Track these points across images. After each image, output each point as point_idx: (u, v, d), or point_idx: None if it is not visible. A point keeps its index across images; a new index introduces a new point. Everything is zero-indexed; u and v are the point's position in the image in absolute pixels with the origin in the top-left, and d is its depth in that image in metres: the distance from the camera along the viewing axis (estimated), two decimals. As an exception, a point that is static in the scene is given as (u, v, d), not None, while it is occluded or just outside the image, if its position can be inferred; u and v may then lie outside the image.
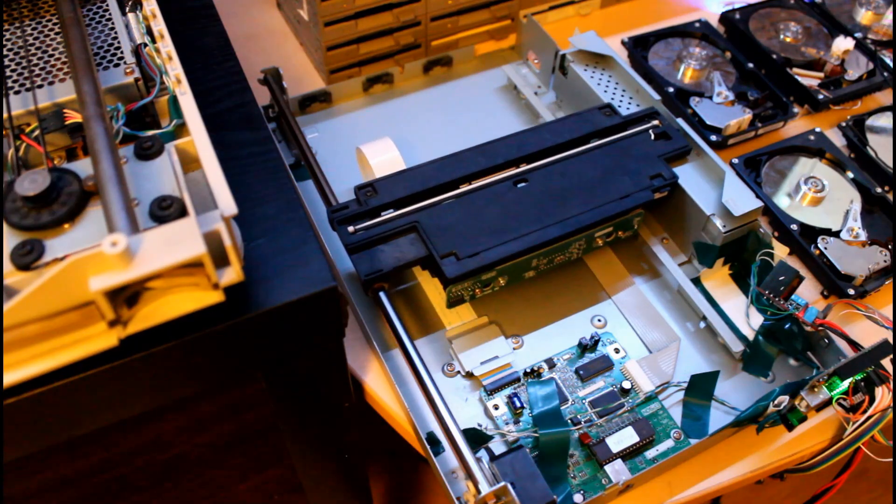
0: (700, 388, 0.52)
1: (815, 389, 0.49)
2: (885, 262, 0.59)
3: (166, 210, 0.35)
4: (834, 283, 0.58)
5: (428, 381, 0.48)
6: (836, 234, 0.60)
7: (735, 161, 0.65)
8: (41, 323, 0.32)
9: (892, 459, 0.48)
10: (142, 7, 0.46)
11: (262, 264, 0.39)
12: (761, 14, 0.79)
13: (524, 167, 0.56)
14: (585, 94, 0.65)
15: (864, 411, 0.48)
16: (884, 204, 0.63)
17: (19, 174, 0.36)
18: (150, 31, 0.45)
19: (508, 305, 0.57)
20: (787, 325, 0.53)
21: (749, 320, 0.56)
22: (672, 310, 0.57)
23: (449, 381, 0.53)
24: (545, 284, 0.58)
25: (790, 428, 0.50)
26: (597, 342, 0.55)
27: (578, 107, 0.67)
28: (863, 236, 0.60)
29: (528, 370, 0.53)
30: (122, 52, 0.45)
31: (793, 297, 0.53)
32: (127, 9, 0.47)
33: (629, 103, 0.64)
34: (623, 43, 0.75)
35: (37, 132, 0.40)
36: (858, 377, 0.49)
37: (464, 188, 0.55)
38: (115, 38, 0.46)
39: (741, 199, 0.54)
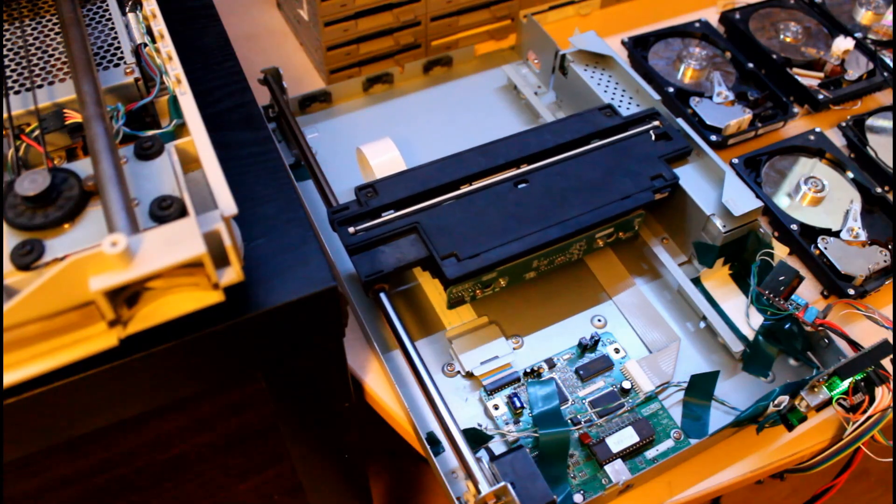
0: (700, 388, 0.52)
1: (815, 389, 0.49)
2: (885, 262, 0.59)
3: (166, 210, 0.35)
4: (834, 283, 0.58)
5: (428, 382, 0.48)
6: (836, 234, 0.60)
7: (735, 161, 0.65)
8: (41, 323, 0.32)
9: (892, 459, 0.48)
10: (142, 7, 0.46)
11: (262, 264, 0.39)
12: (761, 14, 0.79)
13: (525, 168, 0.56)
14: (585, 94, 0.65)
15: (864, 411, 0.48)
16: (884, 204, 0.63)
17: (19, 174, 0.36)
18: (150, 31, 0.45)
19: (509, 306, 0.57)
20: (787, 325, 0.53)
21: (749, 320, 0.56)
22: (672, 310, 0.57)
23: (449, 381, 0.53)
24: (546, 285, 0.58)
25: (790, 428, 0.50)
26: (597, 342, 0.55)
27: (578, 107, 0.67)
28: (863, 236, 0.60)
29: (528, 370, 0.53)
30: (122, 52, 0.45)
31: (793, 297, 0.53)
32: (127, 9, 0.47)
33: (629, 103, 0.64)
34: (623, 43, 0.75)
35: (37, 132, 0.40)
36: (858, 377, 0.49)
37: (464, 189, 0.55)
38: (115, 38, 0.46)
39: (741, 199, 0.54)
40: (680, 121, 0.59)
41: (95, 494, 0.45)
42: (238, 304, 0.37)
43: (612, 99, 0.64)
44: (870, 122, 0.70)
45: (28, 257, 0.34)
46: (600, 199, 0.54)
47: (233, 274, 0.34)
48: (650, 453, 0.49)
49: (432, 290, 0.57)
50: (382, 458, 1.00)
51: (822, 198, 0.63)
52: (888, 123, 0.70)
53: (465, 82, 0.75)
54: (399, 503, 0.98)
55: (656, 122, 0.59)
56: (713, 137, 0.67)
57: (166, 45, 0.42)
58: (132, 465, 0.44)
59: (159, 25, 0.44)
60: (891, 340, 0.47)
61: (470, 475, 0.44)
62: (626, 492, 0.49)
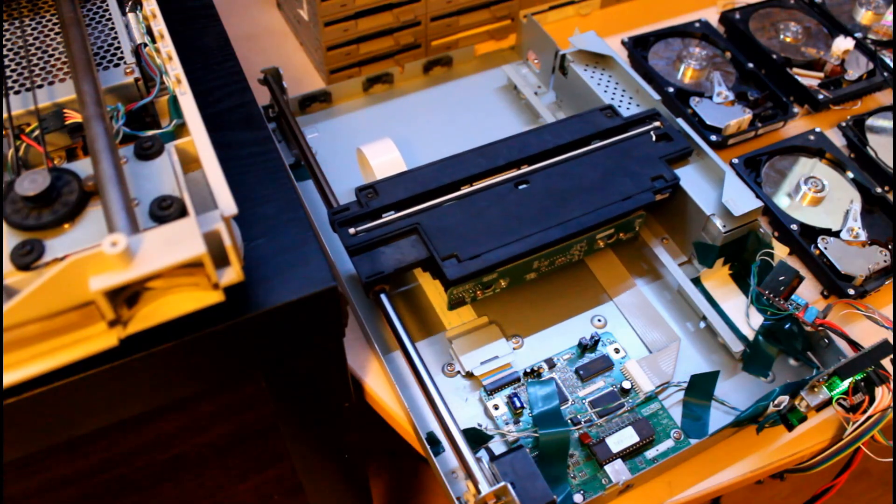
0: (700, 388, 0.52)
1: (815, 389, 0.49)
2: (885, 262, 0.59)
3: (166, 210, 0.35)
4: (834, 283, 0.58)
5: (428, 382, 0.48)
6: (836, 234, 0.60)
7: (735, 161, 0.65)
8: (41, 323, 0.32)
9: (892, 459, 0.48)
10: (142, 7, 0.46)
11: (262, 264, 0.39)
12: (761, 14, 0.79)
13: (525, 169, 0.56)
14: (585, 94, 0.65)
15: (864, 411, 0.48)
16: (884, 204, 0.63)
17: (19, 174, 0.36)
18: (150, 31, 0.45)
19: (509, 306, 0.57)
20: (787, 325, 0.53)
21: (749, 320, 0.56)
22: (672, 310, 0.57)
23: (449, 381, 0.53)
24: (546, 286, 0.58)
25: (790, 428, 0.50)
26: (597, 342, 0.54)
27: (579, 107, 0.67)
28: (863, 236, 0.60)
29: (528, 370, 0.53)
30: (122, 52, 0.45)
31: (793, 297, 0.53)
32: (127, 9, 0.47)
33: (629, 103, 0.64)
34: (623, 43, 0.75)
35: (37, 132, 0.40)
36: (858, 377, 0.49)
37: (465, 190, 0.55)
38: (115, 38, 0.46)
39: (741, 199, 0.54)
40: (680, 121, 0.59)
41: (95, 494, 0.45)
42: (238, 304, 0.37)
43: (612, 99, 0.64)
44: (870, 122, 0.70)
45: (28, 257, 0.34)
46: (601, 200, 0.54)
47: (233, 274, 0.34)
48: (650, 453, 0.49)
49: (433, 291, 0.57)
50: (382, 458, 1.00)
51: (822, 198, 0.63)
52: (888, 123, 0.70)
53: (465, 82, 0.75)
54: (399, 503, 0.98)
55: (657, 123, 0.59)
56: (713, 137, 0.67)
57: (166, 45, 0.42)
58: (132, 465, 0.44)
59: (159, 25, 0.44)
60: (891, 340, 0.47)
61: (470, 475, 0.44)
62: (626, 492, 0.49)
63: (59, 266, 0.30)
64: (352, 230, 0.51)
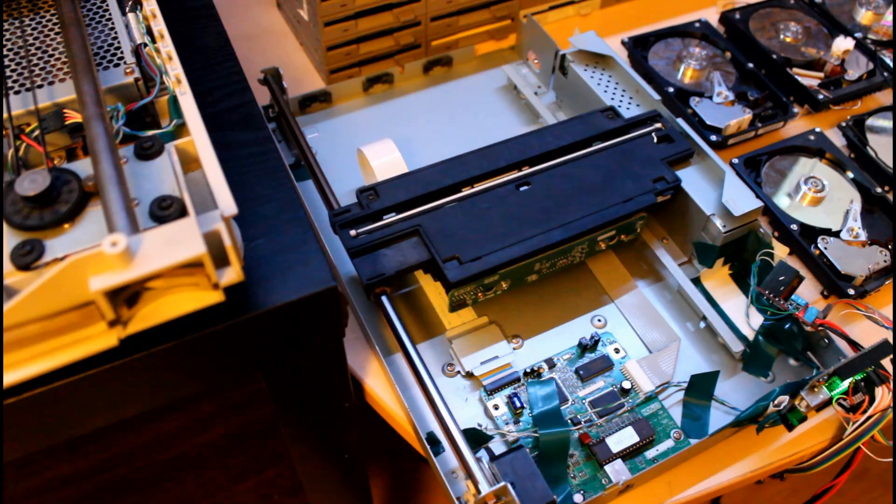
0: (700, 388, 0.52)
1: (815, 389, 0.49)
2: (885, 262, 0.59)
3: (166, 210, 0.35)
4: (834, 283, 0.58)
5: (429, 383, 0.48)
6: (836, 234, 0.60)
7: (735, 161, 0.65)
8: (41, 323, 0.32)
9: (892, 459, 0.48)
10: (142, 7, 0.46)
11: (262, 264, 0.39)
12: (761, 14, 0.79)
13: (526, 170, 0.56)
14: (585, 94, 0.65)
15: (864, 411, 0.48)
16: (884, 204, 0.63)
17: (19, 174, 0.36)
18: (150, 31, 0.45)
19: (510, 308, 0.57)
20: (787, 325, 0.53)
21: (749, 320, 0.56)
22: (672, 310, 0.57)
23: (449, 381, 0.53)
24: (547, 287, 0.58)
25: (790, 428, 0.50)
26: (597, 342, 0.54)
27: (579, 107, 0.67)
28: (863, 236, 0.60)
29: (528, 370, 0.53)
30: (122, 52, 0.45)
31: (793, 297, 0.53)
32: (127, 9, 0.47)
33: (629, 103, 0.64)
34: (623, 43, 0.75)
35: (37, 132, 0.40)
36: (858, 377, 0.49)
37: (466, 191, 0.54)
38: (115, 38, 0.46)
39: (741, 199, 0.54)
40: (680, 121, 0.59)
41: (95, 494, 0.45)
42: (238, 304, 0.37)
43: (612, 99, 0.64)
44: (870, 122, 0.70)
45: (28, 257, 0.34)
46: (602, 202, 0.54)
47: (233, 274, 0.34)
48: (650, 453, 0.49)
49: (433, 293, 0.57)
50: (382, 458, 1.00)
51: (822, 198, 0.63)
52: (888, 123, 0.70)
53: (465, 82, 0.75)
54: (399, 503, 0.98)
55: (658, 125, 0.59)
56: (713, 137, 0.67)
57: (166, 45, 0.42)
58: (132, 465, 0.44)
59: (159, 25, 0.44)
60: (891, 340, 0.47)
61: (470, 475, 0.44)
62: (626, 492, 0.49)
63: (59, 266, 0.30)
64: (353, 232, 0.51)
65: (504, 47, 0.78)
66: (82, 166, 0.37)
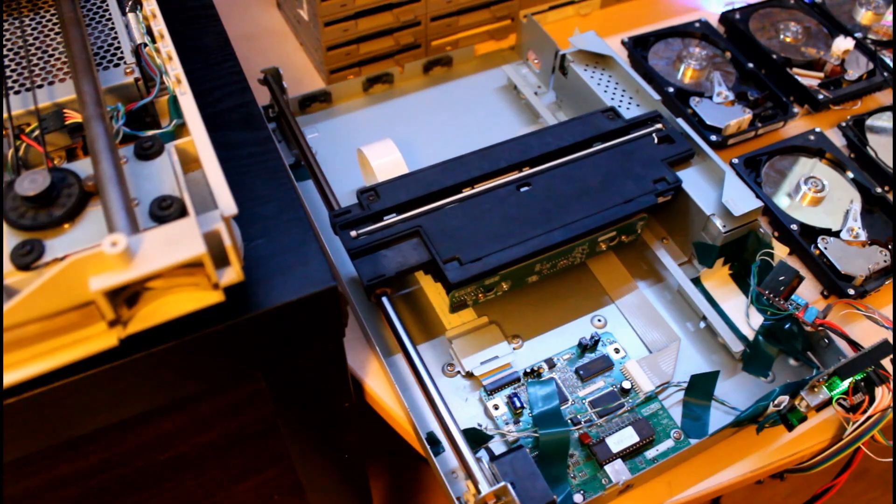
0: (700, 388, 0.52)
1: (815, 389, 0.49)
2: (885, 262, 0.59)
3: (166, 210, 0.35)
4: (834, 283, 0.58)
5: (429, 384, 0.48)
6: (836, 234, 0.60)
7: (735, 161, 0.65)
8: (41, 323, 0.32)
9: (892, 459, 0.48)
10: (142, 7, 0.46)
11: (262, 264, 0.39)
12: (761, 14, 0.79)
13: (527, 171, 0.56)
14: (585, 94, 0.65)
15: (864, 411, 0.48)
16: (884, 204, 0.63)
17: (19, 174, 0.36)
18: (150, 31, 0.45)
19: (511, 308, 0.57)
20: (787, 325, 0.53)
21: (749, 320, 0.56)
22: (672, 310, 0.57)
23: (449, 381, 0.53)
24: (548, 288, 0.58)
25: (790, 428, 0.50)
26: (597, 342, 0.54)
27: (579, 107, 0.67)
28: (863, 236, 0.60)
29: (528, 370, 0.53)
30: (122, 52, 0.45)
31: (793, 297, 0.53)
32: (127, 9, 0.47)
33: (629, 103, 0.64)
34: (623, 43, 0.75)
35: (37, 132, 0.40)
36: (858, 377, 0.49)
37: (467, 192, 0.54)
38: (115, 38, 0.46)
39: (741, 199, 0.54)
40: (680, 121, 0.59)
41: (95, 494, 0.45)
42: (238, 304, 0.37)
43: (612, 99, 0.64)
44: (870, 122, 0.70)
45: (28, 257, 0.34)
46: (603, 203, 0.54)
47: (233, 274, 0.34)
48: (650, 453, 0.49)
49: (434, 294, 0.57)
50: (382, 458, 1.00)
51: (822, 198, 0.63)
52: (888, 123, 0.70)
53: (465, 82, 0.75)
54: (399, 503, 0.98)
55: (659, 125, 0.59)
56: (713, 137, 0.67)
57: (166, 45, 0.42)
58: (132, 465, 0.44)
59: (159, 25, 0.44)
60: (891, 340, 0.47)
61: (470, 475, 0.44)
62: (626, 492, 0.49)
63: (59, 266, 0.30)
64: (353, 233, 0.51)
65: (504, 47, 0.78)
66: (82, 166, 0.37)
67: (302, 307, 0.39)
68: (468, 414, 0.51)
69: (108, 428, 0.39)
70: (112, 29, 0.46)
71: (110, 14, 0.47)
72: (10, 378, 0.32)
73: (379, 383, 0.53)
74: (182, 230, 0.32)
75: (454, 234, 0.52)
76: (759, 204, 0.54)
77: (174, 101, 0.43)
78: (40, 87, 0.42)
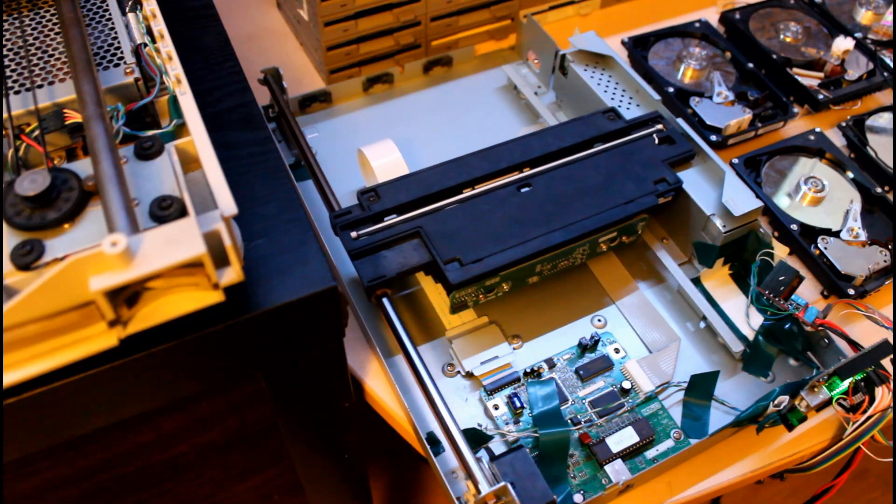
0: (700, 388, 0.52)
1: (815, 389, 0.49)
2: (885, 262, 0.59)
3: (166, 210, 0.35)
4: (834, 283, 0.58)
5: (429, 384, 0.48)
6: (836, 234, 0.60)
7: (735, 161, 0.65)
8: (41, 323, 0.32)
9: (892, 459, 0.48)
10: (142, 7, 0.46)
11: (262, 264, 0.39)
12: (761, 14, 0.79)
13: (528, 172, 0.56)
14: (585, 94, 0.65)
15: (864, 411, 0.48)
16: (884, 204, 0.63)
17: (19, 174, 0.36)
18: (150, 31, 0.45)
19: (511, 309, 0.57)
20: (787, 325, 0.53)
21: (749, 320, 0.56)
22: (672, 310, 0.57)
23: (449, 380, 0.53)
24: (548, 289, 0.58)
25: (790, 428, 0.50)
26: (597, 342, 0.54)
27: (579, 107, 0.67)
28: (863, 236, 0.60)
29: (528, 370, 0.53)
30: (122, 52, 0.45)
31: (793, 297, 0.53)
32: (127, 9, 0.47)
33: (629, 103, 0.64)
34: (623, 43, 0.75)
35: (37, 132, 0.40)
36: (858, 377, 0.49)
37: (467, 193, 0.54)
38: (115, 38, 0.46)
39: (741, 199, 0.54)
40: (680, 121, 0.59)
41: (95, 494, 0.45)
42: (238, 304, 0.37)
43: (613, 99, 0.64)
44: (870, 122, 0.70)
45: (28, 257, 0.34)
46: (604, 204, 0.54)
47: (233, 274, 0.34)
48: (650, 453, 0.49)
49: (434, 294, 0.57)
50: (382, 458, 1.00)
51: (822, 198, 0.63)
52: (888, 123, 0.70)
53: (465, 82, 0.75)
54: (399, 503, 0.98)
55: (659, 126, 0.59)
56: (713, 137, 0.67)
57: (166, 45, 0.42)
58: (132, 465, 0.44)
59: (159, 25, 0.44)
60: (891, 340, 0.47)
61: (470, 475, 0.44)
62: (626, 492, 0.49)
63: (59, 266, 0.30)
64: (354, 234, 0.51)
65: (504, 47, 0.78)
66: (82, 166, 0.37)
67: (302, 307, 0.39)
68: (468, 414, 0.51)
69: (108, 428, 0.39)
70: (112, 29, 0.46)
71: (110, 14, 0.47)
72: (10, 378, 0.32)
73: (379, 383, 0.53)
74: (182, 230, 0.32)
75: (455, 234, 0.52)
76: (759, 204, 0.54)
77: (174, 101, 0.43)
78: (40, 87, 0.42)
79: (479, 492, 0.43)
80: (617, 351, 0.54)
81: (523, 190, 0.55)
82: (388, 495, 0.98)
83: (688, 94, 0.70)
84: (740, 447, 0.51)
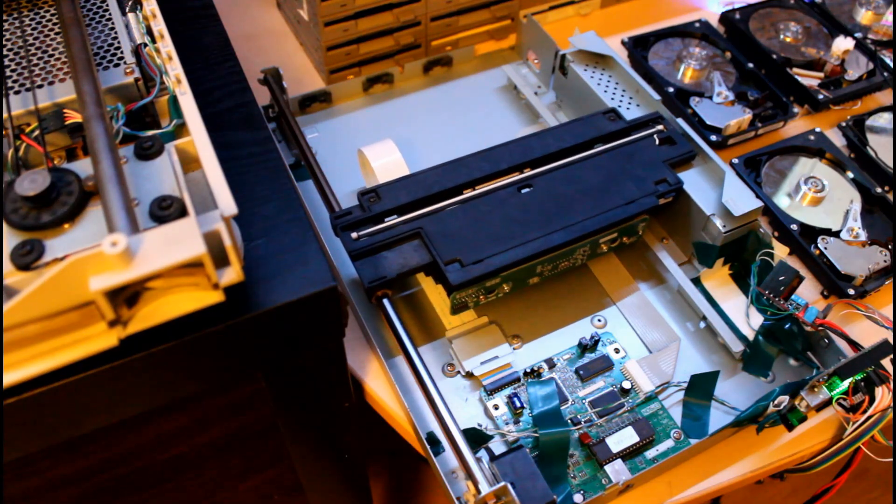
0: (700, 388, 0.52)
1: (815, 389, 0.49)
2: (885, 262, 0.59)
3: (166, 210, 0.35)
4: (834, 283, 0.58)
5: (429, 384, 0.48)
6: (836, 234, 0.60)
7: (735, 161, 0.65)
8: (41, 323, 0.32)
9: (892, 459, 0.48)
10: (142, 7, 0.46)
11: (262, 264, 0.39)
12: (761, 14, 0.79)
13: (528, 172, 0.56)
14: (585, 94, 0.65)
15: (864, 411, 0.48)
16: (884, 204, 0.63)
17: (19, 174, 0.36)
18: (150, 31, 0.45)
19: (511, 310, 0.57)
20: (787, 325, 0.53)
21: (749, 320, 0.56)
22: (672, 310, 0.57)
23: (449, 380, 0.53)
24: (549, 289, 0.58)
25: (790, 428, 0.50)
26: (597, 342, 0.54)
27: (579, 107, 0.67)
28: (863, 236, 0.60)
29: (528, 370, 0.53)
30: (122, 52, 0.45)
31: (793, 297, 0.53)
32: (127, 9, 0.47)
33: (629, 103, 0.64)
34: (623, 43, 0.75)
35: (37, 132, 0.40)
36: (858, 377, 0.49)
37: (468, 194, 0.54)
38: (115, 38, 0.46)
39: (741, 199, 0.54)
40: (680, 121, 0.59)
41: (95, 494, 0.45)
42: (238, 304, 0.37)
43: (613, 99, 0.64)
44: (870, 122, 0.70)
45: (28, 257, 0.34)
46: (605, 204, 0.54)
47: (233, 274, 0.34)
48: (650, 453, 0.49)
49: (435, 295, 0.57)
50: (382, 458, 1.00)
51: (822, 198, 0.63)
52: (888, 123, 0.70)
53: (465, 82, 0.75)
54: (399, 503, 0.98)
55: (660, 126, 0.59)
56: (713, 137, 0.67)
57: (166, 45, 0.42)
58: (132, 465, 0.44)
59: (159, 25, 0.44)
60: (891, 340, 0.47)
61: (470, 475, 0.44)
62: (626, 492, 0.49)
63: (59, 266, 0.30)
64: (354, 234, 0.51)
65: (504, 47, 0.78)
66: (82, 166, 0.37)
67: (302, 307, 0.39)
68: (468, 414, 0.51)
69: (108, 428, 0.39)
70: (112, 29, 0.46)
71: (110, 14, 0.47)
72: (10, 378, 0.32)
73: (379, 383, 0.53)
74: (182, 230, 0.32)
75: (455, 235, 0.52)
76: (759, 204, 0.54)
77: (174, 101, 0.43)
78: (40, 87, 0.42)
79: (479, 492, 0.43)
80: (617, 351, 0.54)
81: (524, 191, 0.55)
82: (388, 495, 0.98)
83: (688, 94, 0.70)
84: (740, 447, 0.51)
